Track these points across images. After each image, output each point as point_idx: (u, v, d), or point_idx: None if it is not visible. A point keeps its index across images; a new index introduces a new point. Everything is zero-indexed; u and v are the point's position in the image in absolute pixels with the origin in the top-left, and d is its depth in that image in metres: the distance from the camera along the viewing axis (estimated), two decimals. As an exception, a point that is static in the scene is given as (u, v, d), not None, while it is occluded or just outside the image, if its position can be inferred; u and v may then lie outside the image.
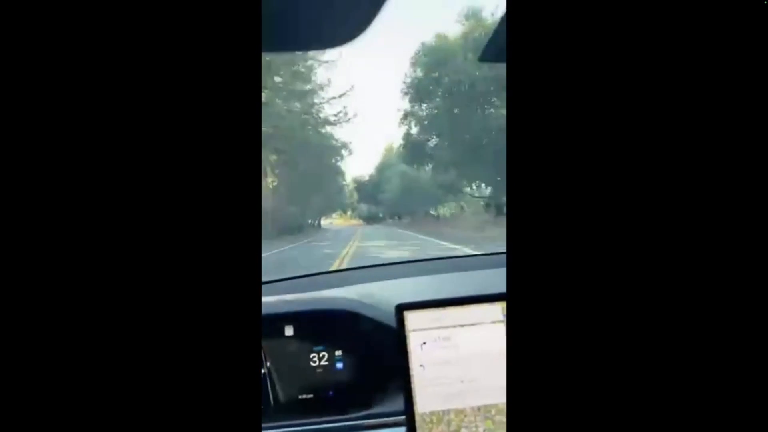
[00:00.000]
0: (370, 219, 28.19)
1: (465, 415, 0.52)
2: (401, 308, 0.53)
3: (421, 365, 0.52)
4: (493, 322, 0.54)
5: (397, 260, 1.20)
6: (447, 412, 0.52)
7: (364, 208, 29.12)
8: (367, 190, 26.62)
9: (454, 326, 0.54)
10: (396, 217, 24.08)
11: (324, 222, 28.30)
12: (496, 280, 0.87)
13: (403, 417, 0.51)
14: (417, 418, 0.51)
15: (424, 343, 0.53)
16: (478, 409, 0.52)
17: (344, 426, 0.68)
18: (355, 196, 29.21)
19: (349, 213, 33.54)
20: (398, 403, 0.66)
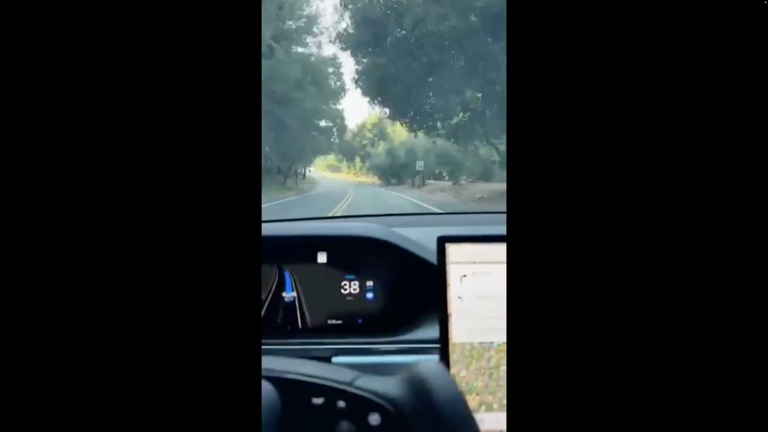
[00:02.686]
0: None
1: (505, 353, 0.52)
2: (443, 240, 0.53)
3: (459, 297, 0.52)
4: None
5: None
6: (488, 348, 0.52)
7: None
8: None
9: (495, 262, 0.53)
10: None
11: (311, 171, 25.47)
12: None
13: (437, 346, 0.52)
14: (455, 349, 0.52)
15: (465, 275, 0.52)
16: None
17: (374, 349, 0.70)
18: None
19: (357, 163, 28.06)
20: (428, 333, 0.68)
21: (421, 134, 13.58)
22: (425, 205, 8.94)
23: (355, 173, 30.49)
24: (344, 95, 19.03)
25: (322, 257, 0.78)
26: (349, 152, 26.88)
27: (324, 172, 35.54)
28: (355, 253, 0.78)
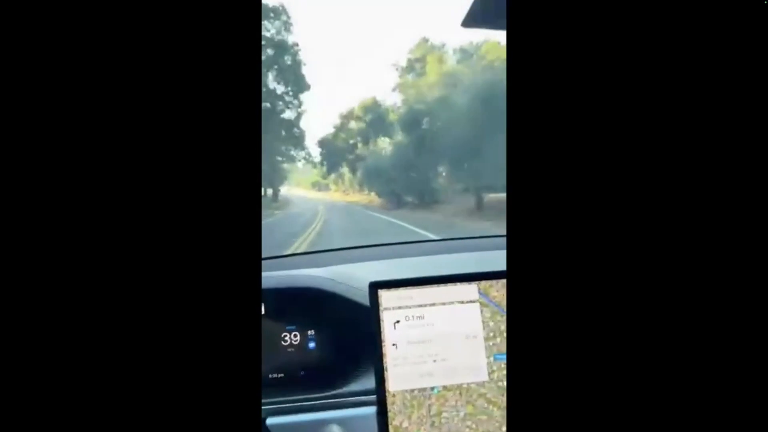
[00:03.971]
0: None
1: (446, 400, 0.51)
2: (375, 286, 0.52)
3: (393, 344, 0.51)
4: (468, 301, 0.53)
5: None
6: (428, 396, 0.51)
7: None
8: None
9: (428, 305, 0.53)
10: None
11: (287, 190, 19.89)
12: (471, 263, 0.87)
13: (374, 396, 0.50)
14: (396, 399, 0.50)
15: (398, 321, 0.51)
16: (460, 393, 0.51)
17: (314, 405, 0.67)
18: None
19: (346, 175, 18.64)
20: (371, 383, 0.66)
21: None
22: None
23: (344, 190, 20.98)
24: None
25: (260, 309, 0.75)
26: (331, 158, 17.28)
27: (307, 191, 27.49)
28: (295, 302, 0.75)
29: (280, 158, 15.42)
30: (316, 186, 27.49)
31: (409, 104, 13.11)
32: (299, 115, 15.33)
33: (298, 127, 15.56)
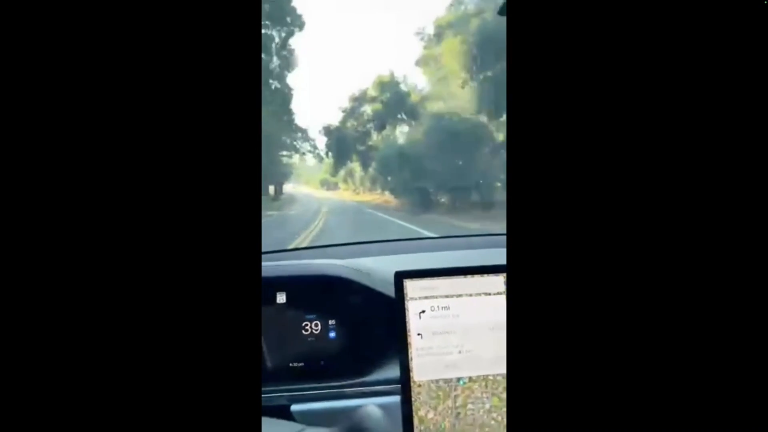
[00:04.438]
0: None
1: (472, 392, 0.51)
2: (400, 276, 0.52)
3: (418, 334, 0.51)
4: (494, 293, 0.53)
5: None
6: (454, 387, 0.51)
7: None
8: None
9: (454, 296, 0.52)
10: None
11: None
12: (496, 257, 0.86)
13: (398, 386, 0.50)
14: (422, 390, 0.50)
15: (423, 311, 0.51)
16: (485, 385, 0.51)
17: (337, 393, 0.67)
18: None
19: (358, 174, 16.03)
20: (392, 373, 0.66)
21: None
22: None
23: (354, 189, 18.24)
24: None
25: (281, 297, 0.75)
26: (339, 149, 13.78)
27: (315, 190, 26.11)
28: (315, 291, 0.76)
29: (284, 152, 14.09)
30: (324, 184, 25.37)
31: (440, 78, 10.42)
32: (287, 95, 13.23)
33: (291, 114, 13.50)
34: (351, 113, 13.84)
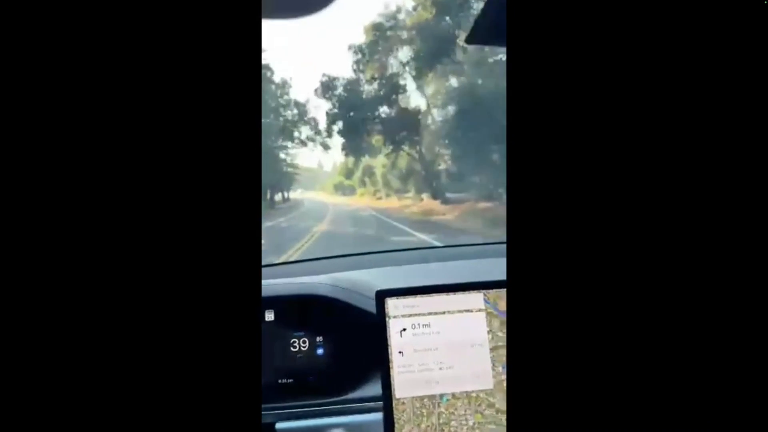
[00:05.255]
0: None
1: (455, 409, 0.51)
2: (381, 294, 0.52)
3: (400, 351, 0.51)
4: (475, 310, 0.54)
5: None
6: (437, 405, 0.51)
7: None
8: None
9: (435, 313, 0.53)
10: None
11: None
12: (479, 269, 0.87)
13: (381, 403, 0.51)
14: (405, 407, 0.51)
15: (404, 329, 0.52)
16: (468, 402, 0.52)
17: (323, 410, 0.67)
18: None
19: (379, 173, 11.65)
20: (378, 389, 0.66)
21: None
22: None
23: (374, 192, 14.53)
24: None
25: (269, 315, 0.76)
26: (349, 130, 9.48)
27: (329, 196, 22.13)
28: (303, 309, 0.76)
29: (278, 143, 10.89)
30: (339, 189, 21.44)
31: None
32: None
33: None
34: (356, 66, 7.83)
